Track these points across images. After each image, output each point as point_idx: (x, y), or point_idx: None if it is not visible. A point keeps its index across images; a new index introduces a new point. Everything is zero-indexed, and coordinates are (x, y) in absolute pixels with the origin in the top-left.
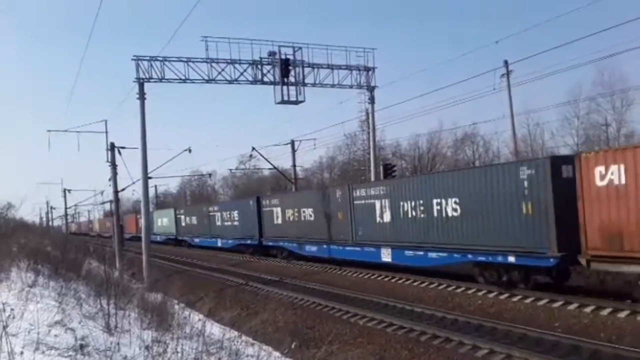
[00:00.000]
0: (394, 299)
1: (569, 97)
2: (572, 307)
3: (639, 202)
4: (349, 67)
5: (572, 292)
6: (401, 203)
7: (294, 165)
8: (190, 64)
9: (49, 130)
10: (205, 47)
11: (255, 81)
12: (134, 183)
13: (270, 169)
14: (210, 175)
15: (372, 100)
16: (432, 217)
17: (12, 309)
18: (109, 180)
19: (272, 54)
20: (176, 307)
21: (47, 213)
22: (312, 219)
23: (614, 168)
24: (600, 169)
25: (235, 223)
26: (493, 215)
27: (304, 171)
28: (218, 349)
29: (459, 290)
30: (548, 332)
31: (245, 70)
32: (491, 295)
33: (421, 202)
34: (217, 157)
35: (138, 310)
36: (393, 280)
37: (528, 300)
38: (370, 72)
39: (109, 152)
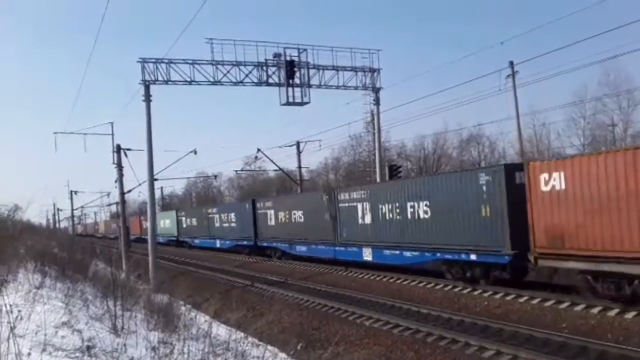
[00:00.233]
0: (400, 300)
1: (575, 97)
2: (579, 308)
3: (577, 206)
4: (354, 69)
5: (529, 286)
6: (380, 206)
7: (299, 167)
8: (196, 66)
9: (55, 133)
10: (210, 49)
11: (260, 83)
12: (140, 185)
13: (275, 170)
14: (215, 176)
15: (377, 101)
16: (406, 218)
17: (19, 311)
18: (115, 182)
19: (277, 55)
20: (182, 308)
21: (53, 215)
22: (301, 220)
23: (555, 175)
24: (544, 176)
25: (233, 225)
26: (457, 217)
27: (309, 172)
28: (224, 350)
29: (465, 292)
30: (555, 333)
31: (250, 72)
32: (497, 296)
33: (397, 205)
34: (223, 159)
35: (144, 311)
36: (399, 282)
37: (535, 301)
38: (375, 74)
39: (115, 154)
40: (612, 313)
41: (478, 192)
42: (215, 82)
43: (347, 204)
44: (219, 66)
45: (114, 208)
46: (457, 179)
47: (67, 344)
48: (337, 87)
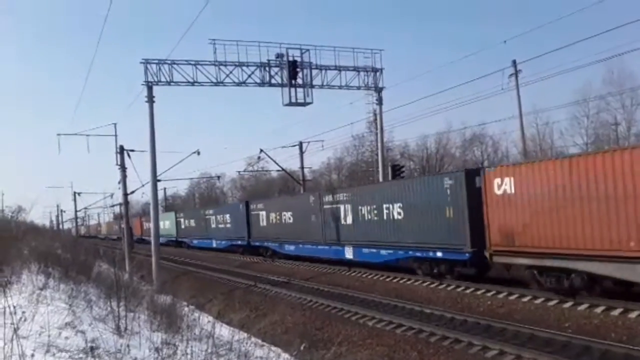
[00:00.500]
0: (403, 300)
1: (578, 96)
2: (582, 307)
3: (524, 208)
4: (356, 69)
5: (491, 281)
6: (360, 208)
7: (302, 167)
8: (199, 66)
9: (58, 134)
10: (213, 50)
11: (263, 83)
12: (143, 186)
13: (278, 170)
14: (218, 177)
15: (380, 101)
16: (382, 219)
17: (23, 312)
18: (119, 183)
19: (279, 56)
20: (185, 309)
21: (57, 216)
22: (291, 221)
23: (506, 180)
24: (497, 181)
25: (228, 225)
26: (426, 218)
27: (312, 173)
28: (227, 351)
29: (468, 291)
30: (558, 332)
31: (253, 73)
32: (500, 295)
33: (375, 206)
34: (226, 160)
35: (148, 312)
36: (402, 281)
37: (538, 301)
38: (377, 73)
39: (119, 155)
40: (616, 312)
41: (443, 195)
42: (218, 83)
43: (331, 206)
44: (221, 67)
45: (117, 209)
46: (426, 183)
47: (71, 345)
48: (340, 87)
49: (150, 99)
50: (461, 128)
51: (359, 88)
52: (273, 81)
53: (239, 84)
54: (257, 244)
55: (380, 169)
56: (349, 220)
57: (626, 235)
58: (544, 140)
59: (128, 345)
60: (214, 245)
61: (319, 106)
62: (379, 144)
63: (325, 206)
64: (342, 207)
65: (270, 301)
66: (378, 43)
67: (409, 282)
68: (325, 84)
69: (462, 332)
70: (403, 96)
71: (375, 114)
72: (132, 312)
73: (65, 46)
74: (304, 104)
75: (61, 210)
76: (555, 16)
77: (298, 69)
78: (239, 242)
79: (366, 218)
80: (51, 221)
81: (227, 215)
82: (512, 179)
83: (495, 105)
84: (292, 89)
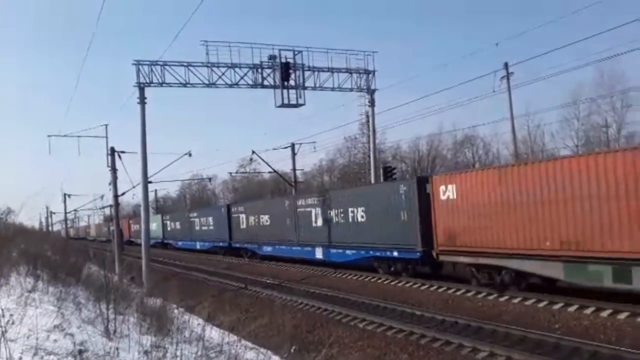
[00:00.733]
0: (394, 302)
1: (570, 98)
2: (572, 308)
3: (463, 212)
4: (349, 70)
5: (441, 278)
6: (328, 211)
7: (294, 169)
8: (191, 68)
9: (49, 135)
10: (205, 51)
11: (255, 85)
12: (134, 187)
13: (270, 172)
14: (210, 179)
15: (372, 103)
16: (348, 222)
17: (11, 315)
18: (109, 184)
19: (272, 57)
20: (175, 311)
21: (46, 218)
22: (268, 224)
23: (450, 187)
24: (442, 188)
25: (211, 227)
26: (384, 221)
27: (304, 174)
28: (217, 353)
29: (458, 293)
30: (548, 333)
31: (245, 74)
32: (491, 297)
33: (342, 210)
34: (218, 161)
35: (137, 314)
36: (392, 283)
37: (528, 302)
38: (370, 75)
39: (109, 157)
40: (605, 314)
41: (399, 201)
42: (210, 84)
43: (303, 209)
44: (214, 68)
45: (107, 211)
46: (385, 189)
47: (59, 348)
48: (333, 89)
49: (142, 100)
50: (453, 130)
51: (351, 90)
52: (265, 83)
53: (232, 85)
54: (238, 245)
55: (372, 171)
56: (319, 222)
57: (543, 236)
58: (535, 143)
59: (117, 348)
60: (198, 246)
61: (312, 108)
62: (371, 146)
63: (298, 209)
64: (313, 211)
65: (260, 303)
66: (371, 45)
67: (399, 284)
68: (317, 85)
69: (452, 333)
70: (395, 98)
71: (367, 116)
72: (121, 314)
73: (56, 49)
74: (297, 106)
75: (51, 212)
76: (548, 18)
77: (291, 71)
78: (221, 244)
79: (334, 221)
80: (41, 223)
81: (210, 218)
82: (454, 186)
83: (488, 107)
84: (285, 91)
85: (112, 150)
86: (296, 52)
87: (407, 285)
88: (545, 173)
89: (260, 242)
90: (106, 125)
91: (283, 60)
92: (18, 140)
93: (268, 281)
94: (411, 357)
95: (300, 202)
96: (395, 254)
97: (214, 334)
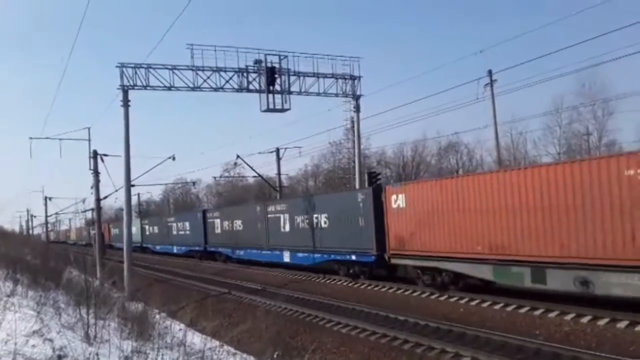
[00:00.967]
0: (378, 307)
1: (552, 106)
2: (552, 315)
3: (411, 219)
4: (334, 76)
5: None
6: (295, 217)
7: (279, 174)
8: (176, 71)
9: (31, 138)
10: (190, 55)
11: (241, 89)
12: (116, 191)
13: (254, 176)
14: (194, 183)
15: (357, 108)
16: (313, 227)
17: None
18: (92, 187)
19: (257, 62)
20: (157, 316)
21: (27, 221)
22: (240, 229)
23: (400, 196)
24: (394, 197)
25: (187, 232)
26: (344, 227)
27: (288, 179)
28: (199, 359)
29: (442, 299)
30: (529, 339)
31: (230, 78)
32: (473, 303)
33: (307, 216)
34: (202, 165)
35: (118, 320)
36: (376, 289)
37: (510, 308)
38: (355, 81)
39: (92, 160)
40: (585, 320)
41: (357, 208)
42: (195, 88)
43: (273, 215)
44: (199, 72)
45: (89, 215)
46: (345, 197)
47: (38, 353)
48: (318, 94)
49: (126, 103)
50: (437, 136)
51: (337, 95)
52: (251, 87)
53: (217, 89)
54: (213, 249)
55: (356, 176)
56: (287, 228)
57: (475, 241)
58: (517, 150)
59: (97, 354)
60: (175, 250)
61: (297, 112)
62: (356, 151)
63: (269, 215)
64: (281, 217)
65: (243, 309)
66: (357, 50)
67: (383, 289)
68: (303, 90)
69: (435, 339)
70: (381, 104)
71: (352, 121)
72: (102, 319)
73: (38, 49)
74: (282, 111)
75: (31, 215)
76: (533, 26)
77: (276, 75)
78: (197, 248)
79: (300, 226)
80: (21, 226)
81: (187, 223)
82: (404, 195)
83: (473, 114)
84: (270, 95)
85: (95, 153)
86: (282, 57)
87: (390, 290)
88: (476, 185)
89: (233, 246)
90: (89, 128)
91: (269, 64)
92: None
93: (251, 286)
94: None
95: (270, 208)
96: (354, 257)
97: (196, 339)
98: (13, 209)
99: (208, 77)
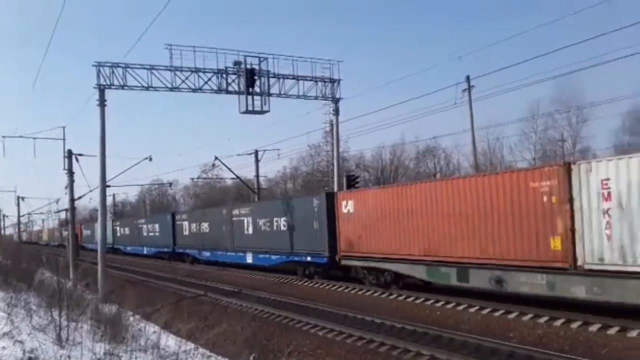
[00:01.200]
0: (355, 310)
1: (528, 112)
2: (526, 318)
3: (359, 223)
4: (314, 79)
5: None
6: (258, 220)
7: (257, 175)
8: (154, 71)
9: (3, 136)
10: (169, 55)
11: (219, 90)
12: (91, 191)
13: (233, 178)
14: (170, 184)
15: (336, 111)
16: (273, 230)
17: None
18: (66, 187)
19: (237, 63)
20: (131, 319)
21: None
22: (207, 231)
23: (350, 202)
24: (344, 202)
25: (157, 234)
26: (301, 230)
27: (267, 181)
28: None
29: (418, 301)
30: (503, 342)
31: (209, 79)
32: (449, 306)
33: (268, 219)
34: (179, 166)
35: (91, 322)
36: (353, 291)
37: (485, 311)
38: (335, 84)
39: (66, 159)
40: (558, 323)
41: (312, 212)
42: (174, 88)
43: (238, 218)
44: (177, 72)
45: (63, 215)
46: (302, 202)
47: (8, 355)
48: (297, 97)
49: (102, 102)
50: (415, 140)
51: (316, 98)
52: (230, 88)
53: (195, 90)
54: (181, 250)
55: (335, 179)
56: (250, 230)
57: (412, 244)
58: (494, 155)
59: (69, 356)
60: (145, 251)
61: (276, 115)
62: (335, 154)
63: (233, 218)
64: (245, 220)
65: (219, 311)
66: (339, 53)
67: (360, 292)
68: (282, 92)
69: (411, 341)
70: (363, 106)
71: (331, 124)
72: (74, 321)
73: (13, 49)
74: (261, 112)
75: (3, 215)
76: (512, 32)
77: (256, 77)
78: (166, 249)
79: (262, 229)
80: None
81: (157, 225)
82: (352, 201)
83: (451, 119)
84: (249, 97)
85: (70, 153)
86: (262, 59)
87: (368, 293)
88: (412, 193)
89: (200, 248)
90: (64, 127)
91: (248, 66)
92: None
93: (227, 288)
94: None
95: (235, 211)
96: (309, 258)
97: (170, 341)
98: None
99: (187, 78)
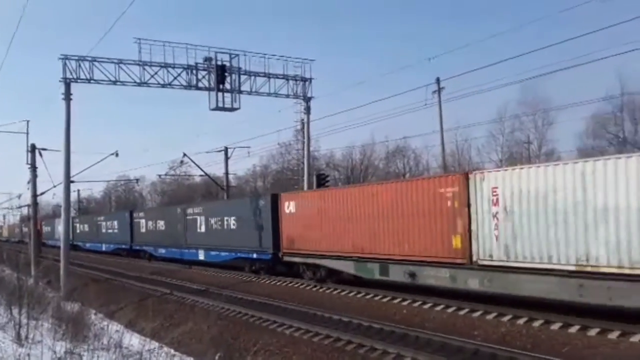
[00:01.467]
0: (322, 309)
1: (497, 114)
2: (490, 316)
3: (299, 223)
4: (286, 77)
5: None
6: (209, 219)
7: (227, 173)
8: (122, 65)
9: None
10: (138, 49)
11: (189, 86)
12: (54, 187)
13: (201, 175)
14: (137, 180)
15: (307, 110)
16: (224, 229)
17: None
18: (28, 183)
19: (207, 59)
20: (94, 317)
21: None
22: (163, 229)
23: (292, 203)
24: (287, 203)
25: (115, 231)
26: (249, 228)
27: (237, 179)
28: None
29: (385, 300)
30: (468, 340)
31: (179, 75)
32: (416, 304)
33: (219, 218)
34: (147, 162)
35: (52, 320)
36: (321, 290)
37: (450, 310)
38: (307, 83)
39: (29, 154)
40: (521, 321)
41: (259, 211)
42: (142, 83)
43: (192, 217)
44: (146, 67)
45: (25, 211)
46: (250, 202)
47: None
48: (268, 95)
49: (68, 97)
50: (385, 140)
51: (287, 96)
52: (200, 85)
53: (164, 85)
54: (138, 247)
55: (305, 178)
56: (203, 228)
57: (343, 242)
58: (462, 156)
59: (28, 355)
60: (103, 248)
61: (247, 112)
62: (305, 153)
63: (188, 217)
64: (198, 218)
65: (185, 310)
66: (311, 52)
67: (327, 291)
68: (253, 90)
69: (377, 340)
70: (334, 105)
71: (302, 123)
72: (35, 319)
73: None
74: (232, 110)
75: None
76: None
77: (226, 74)
78: (124, 246)
79: (213, 227)
80: None
81: (115, 222)
82: (294, 202)
83: (421, 119)
84: (220, 94)
85: (33, 147)
86: (233, 56)
87: (335, 292)
88: (344, 196)
89: (156, 245)
90: (27, 122)
91: (219, 62)
92: None
93: (194, 287)
94: None
95: (189, 210)
96: (255, 255)
97: (134, 340)
98: None
99: (155, 73)
